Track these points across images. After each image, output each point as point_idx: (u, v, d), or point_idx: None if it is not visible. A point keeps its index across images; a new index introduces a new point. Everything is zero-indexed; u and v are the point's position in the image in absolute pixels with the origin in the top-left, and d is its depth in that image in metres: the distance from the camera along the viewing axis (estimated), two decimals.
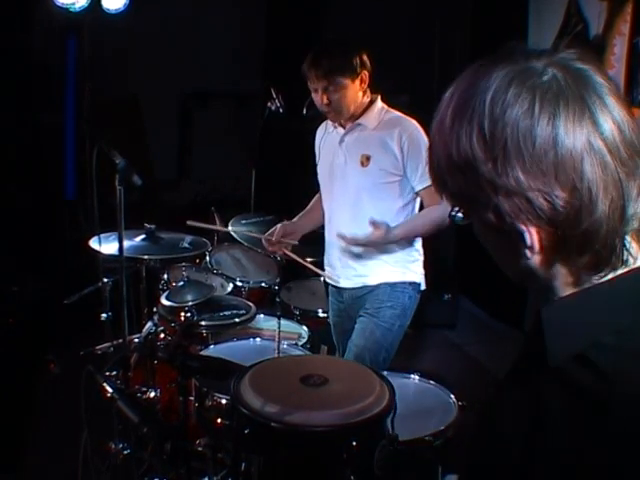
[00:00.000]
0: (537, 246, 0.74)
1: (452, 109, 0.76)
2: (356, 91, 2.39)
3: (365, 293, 2.52)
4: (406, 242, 2.48)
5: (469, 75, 0.77)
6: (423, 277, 2.56)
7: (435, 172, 0.80)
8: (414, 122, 2.41)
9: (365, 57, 2.40)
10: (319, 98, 2.39)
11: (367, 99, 2.46)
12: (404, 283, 2.49)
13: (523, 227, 0.73)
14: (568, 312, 0.76)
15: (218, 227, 3.13)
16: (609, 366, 0.70)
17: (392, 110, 2.48)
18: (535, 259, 0.76)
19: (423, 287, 2.56)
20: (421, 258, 2.58)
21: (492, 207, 0.74)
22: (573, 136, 0.70)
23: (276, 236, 2.51)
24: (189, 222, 2.66)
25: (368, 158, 2.41)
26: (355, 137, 2.47)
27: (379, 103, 2.47)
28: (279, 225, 2.57)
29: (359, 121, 2.45)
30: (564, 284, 0.77)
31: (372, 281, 2.50)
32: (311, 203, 2.78)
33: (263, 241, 2.58)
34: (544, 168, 0.70)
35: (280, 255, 2.63)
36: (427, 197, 2.41)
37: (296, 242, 2.58)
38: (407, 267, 2.50)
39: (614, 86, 0.74)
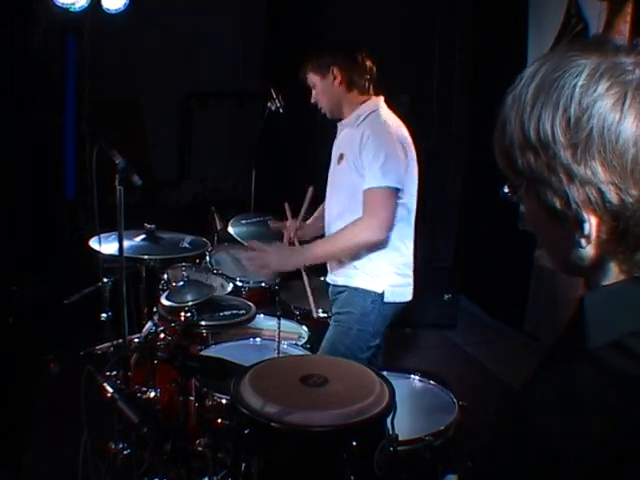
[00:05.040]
0: (594, 236, 0.75)
1: (535, 86, 0.75)
2: (329, 87, 2.48)
3: (336, 293, 2.59)
4: (376, 253, 2.46)
5: (556, 58, 0.76)
6: (392, 288, 2.49)
7: (503, 147, 0.79)
8: (388, 124, 2.41)
9: (340, 54, 2.48)
10: (312, 97, 2.57)
11: (361, 97, 2.50)
12: (367, 291, 2.48)
13: (586, 216, 0.74)
14: (611, 299, 0.77)
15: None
16: None
17: (384, 113, 2.48)
18: (588, 249, 0.77)
19: (390, 299, 2.49)
20: (391, 269, 2.50)
21: (561, 192, 0.75)
22: None
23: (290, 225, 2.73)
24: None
25: (342, 156, 2.50)
26: (342, 136, 2.56)
27: (370, 103, 2.49)
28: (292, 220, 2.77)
29: (343, 121, 2.54)
30: (611, 279, 0.78)
31: (341, 282, 2.56)
32: (320, 207, 2.83)
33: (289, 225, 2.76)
34: (623, 164, 0.71)
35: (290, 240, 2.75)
36: (364, 199, 2.36)
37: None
38: (372, 276, 2.48)
39: None
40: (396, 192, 2.36)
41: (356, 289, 2.50)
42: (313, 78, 2.51)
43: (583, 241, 0.76)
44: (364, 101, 2.50)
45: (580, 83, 0.72)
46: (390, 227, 2.38)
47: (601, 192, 0.72)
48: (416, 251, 2.64)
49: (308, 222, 2.85)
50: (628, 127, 0.70)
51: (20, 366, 3.47)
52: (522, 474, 0.80)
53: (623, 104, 0.71)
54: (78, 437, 2.11)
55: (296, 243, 2.72)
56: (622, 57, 0.74)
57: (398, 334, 2.57)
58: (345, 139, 2.52)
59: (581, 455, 0.72)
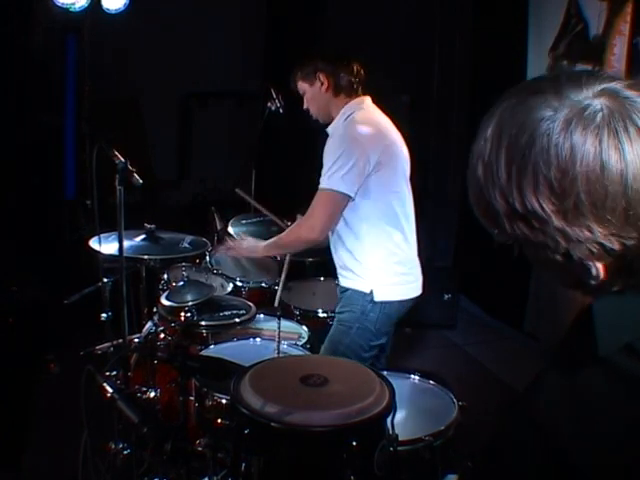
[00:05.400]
0: (603, 276, 0.74)
1: (506, 156, 0.73)
2: (317, 93, 2.54)
3: (341, 293, 2.63)
4: (362, 254, 2.49)
5: (516, 113, 0.73)
6: (384, 287, 2.50)
7: (487, 214, 0.77)
8: (356, 126, 2.42)
9: (325, 61, 2.52)
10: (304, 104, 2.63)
11: (347, 101, 2.53)
12: (363, 291, 2.50)
13: (591, 263, 0.73)
14: (620, 305, 0.77)
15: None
16: None
17: (357, 113, 2.49)
18: (600, 280, 0.76)
19: (383, 298, 2.49)
20: (382, 268, 2.51)
21: (561, 251, 0.73)
22: None
23: None
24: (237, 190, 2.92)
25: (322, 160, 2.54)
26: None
27: (351, 105, 2.52)
28: None
29: (329, 128, 2.57)
30: (619, 288, 0.78)
31: (343, 283, 2.60)
32: None
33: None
34: (617, 216, 0.70)
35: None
36: (313, 199, 2.42)
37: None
38: (363, 277, 2.51)
39: None
40: (341, 196, 2.37)
41: (355, 290, 2.53)
42: (302, 86, 2.58)
43: (592, 280, 0.75)
44: (344, 105, 2.53)
45: (554, 145, 0.70)
46: (327, 229, 2.45)
47: (602, 244, 0.71)
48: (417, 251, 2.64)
49: None
50: (613, 178, 0.68)
51: (20, 366, 3.47)
52: (523, 474, 0.80)
53: (602, 153, 0.68)
54: (78, 437, 2.11)
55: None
56: (585, 91, 0.71)
57: (398, 334, 2.57)
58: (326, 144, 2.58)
59: (590, 456, 0.72)
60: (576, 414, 0.75)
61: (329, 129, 2.58)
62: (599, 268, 0.74)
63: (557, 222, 0.71)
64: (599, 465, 0.71)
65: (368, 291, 2.48)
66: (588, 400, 0.74)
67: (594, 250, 0.72)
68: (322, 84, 2.52)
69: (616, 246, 0.71)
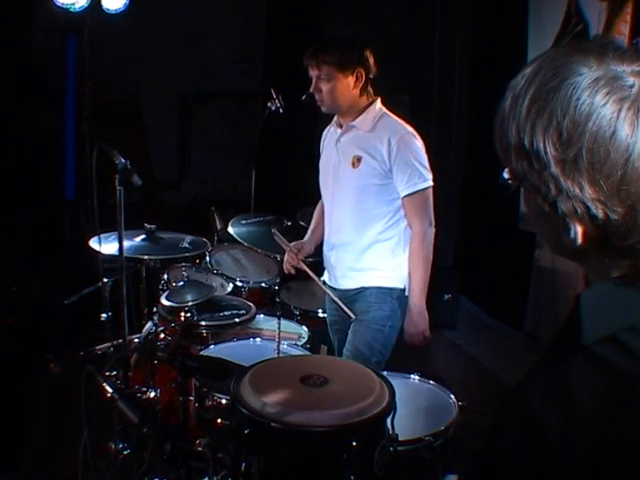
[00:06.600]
0: (580, 240, 0.76)
1: (532, 94, 0.76)
2: (348, 86, 2.42)
3: (354, 294, 2.55)
4: (393, 250, 2.49)
5: (557, 60, 0.76)
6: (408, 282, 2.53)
7: (502, 144, 0.81)
8: (409, 128, 2.44)
9: (366, 56, 2.43)
10: (312, 86, 2.46)
11: (367, 100, 2.48)
12: (392, 288, 2.50)
13: (572, 224, 0.75)
14: (606, 296, 0.78)
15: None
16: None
17: (390, 114, 2.48)
18: (577, 245, 0.78)
19: (407, 292, 2.53)
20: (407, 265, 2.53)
21: (550, 200, 0.76)
22: None
23: (294, 249, 2.67)
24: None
25: (359, 159, 2.44)
26: (349, 138, 2.50)
27: (377, 105, 2.48)
28: (293, 243, 2.71)
29: (354, 123, 2.48)
30: (605, 273, 0.79)
31: (361, 283, 2.53)
32: (314, 218, 2.82)
33: (287, 255, 2.71)
34: (609, 184, 0.72)
35: (297, 266, 2.71)
36: (409, 205, 2.43)
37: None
38: (395, 274, 2.50)
39: None
40: (431, 188, 2.47)
41: (381, 288, 2.50)
42: (330, 71, 2.39)
43: (568, 242, 0.77)
44: (371, 103, 2.48)
45: (576, 97, 0.72)
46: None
47: (587, 207, 0.73)
48: None
49: (306, 238, 2.81)
50: (618, 148, 0.71)
51: (20, 366, 3.47)
52: (521, 470, 0.80)
53: (617, 121, 0.71)
54: (78, 437, 2.11)
55: (303, 267, 2.67)
56: (625, 66, 0.73)
57: (398, 334, 2.56)
58: (358, 141, 2.46)
59: (576, 451, 0.72)
60: (561, 408, 0.75)
61: (350, 126, 2.48)
62: (578, 231, 0.75)
63: (554, 169, 0.74)
64: (583, 460, 0.72)
65: (402, 287, 2.49)
66: (571, 393, 0.75)
67: (579, 210, 0.74)
68: (357, 80, 2.41)
69: (600, 214, 0.73)
